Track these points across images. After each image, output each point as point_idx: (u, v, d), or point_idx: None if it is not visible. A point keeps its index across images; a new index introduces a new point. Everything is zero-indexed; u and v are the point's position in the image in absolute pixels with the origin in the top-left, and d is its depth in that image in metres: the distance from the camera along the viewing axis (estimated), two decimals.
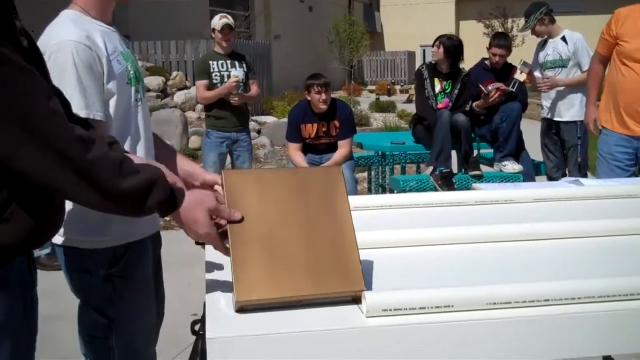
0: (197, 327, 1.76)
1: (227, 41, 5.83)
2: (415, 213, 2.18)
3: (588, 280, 1.42)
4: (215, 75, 5.80)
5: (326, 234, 1.42)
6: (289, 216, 1.43)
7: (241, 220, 1.41)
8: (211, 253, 1.59)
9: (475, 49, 10.28)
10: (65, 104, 1.72)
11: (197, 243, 1.55)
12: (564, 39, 5.75)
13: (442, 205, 2.25)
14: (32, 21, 2.32)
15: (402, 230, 1.85)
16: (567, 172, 5.70)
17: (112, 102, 2.02)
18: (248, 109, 6.21)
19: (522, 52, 7.42)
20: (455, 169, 5.53)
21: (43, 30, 2.01)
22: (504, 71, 5.74)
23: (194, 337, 1.78)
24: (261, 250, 1.38)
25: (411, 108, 11.09)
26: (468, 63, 5.87)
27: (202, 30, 13.35)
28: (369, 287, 1.41)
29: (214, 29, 5.85)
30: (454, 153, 5.51)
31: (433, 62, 5.69)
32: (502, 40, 5.79)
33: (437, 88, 5.57)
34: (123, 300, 2.08)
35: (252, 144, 6.27)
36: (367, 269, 1.48)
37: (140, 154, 2.08)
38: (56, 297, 2.71)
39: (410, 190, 5.18)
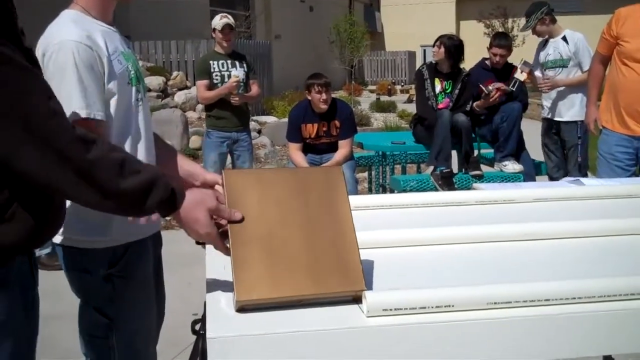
0: (197, 327, 1.76)
1: (228, 41, 5.83)
2: (415, 213, 2.18)
3: (588, 280, 1.43)
4: (216, 75, 5.80)
5: (327, 233, 1.42)
6: (290, 216, 1.43)
7: (242, 220, 1.41)
8: (211, 253, 1.59)
9: (476, 49, 10.29)
10: None
11: (198, 243, 1.55)
12: (564, 39, 5.75)
13: (443, 205, 2.25)
14: (32, 21, 2.33)
15: (403, 230, 1.85)
16: (567, 172, 5.70)
17: (113, 102, 2.02)
18: (248, 109, 6.21)
19: (522, 52, 7.42)
20: (455, 168, 5.53)
21: (43, 30, 2.01)
22: (505, 71, 5.74)
23: (194, 337, 1.78)
24: (262, 250, 1.38)
25: (412, 108, 11.09)
26: (468, 63, 5.87)
27: (202, 30, 13.36)
28: (369, 286, 1.42)
29: (214, 29, 5.85)
30: (454, 153, 5.51)
31: (433, 62, 5.69)
32: (502, 40, 5.79)
33: (438, 88, 5.57)
34: (123, 300, 2.09)
35: (252, 144, 6.27)
36: (367, 268, 1.48)
37: (141, 154, 2.08)
38: (56, 297, 2.71)
39: (410, 190, 5.18)
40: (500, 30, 20.95)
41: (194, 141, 9.22)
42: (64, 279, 2.14)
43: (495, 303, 1.34)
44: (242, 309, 1.34)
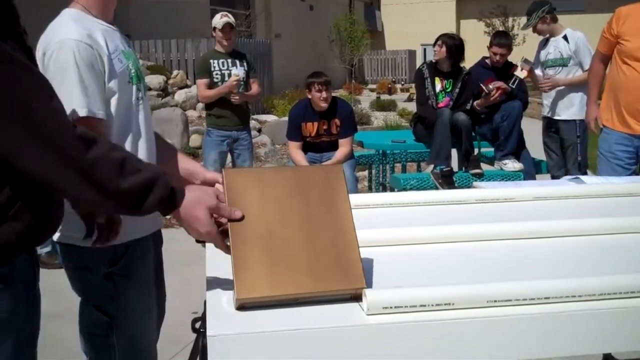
0: (197, 325, 1.76)
1: (228, 40, 5.83)
2: (415, 211, 2.18)
3: (588, 278, 1.43)
4: (216, 74, 5.80)
5: (327, 232, 1.42)
6: (290, 214, 1.43)
7: (242, 218, 1.41)
8: (212, 251, 1.59)
9: (476, 48, 10.29)
10: None
11: (198, 241, 1.55)
12: (565, 37, 5.74)
13: (443, 204, 2.25)
14: (32, 20, 2.33)
15: (403, 228, 1.85)
16: (567, 170, 5.70)
17: (114, 101, 2.02)
18: (249, 108, 6.21)
19: (522, 51, 7.42)
20: (456, 167, 5.53)
21: (43, 29, 2.01)
22: (505, 70, 5.74)
23: (194, 335, 1.78)
24: (262, 249, 1.38)
25: (412, 107, 11.09)
26: (468, 62, 5.87)
27: (202, 29, 13.35)
28: (369, 285, 1.42)
29: (214, 28, 5.85)
30: (454, 151, 5.51)
31: (434, 61, 5.69)
32: (502, 40, 5.78)
33: (438, 87, 5.57)
34: (124, 299, 2.09)
35: (252, 143, 6.27)
36: (367, 267, 1.48)
37: (141, 153, 2.08)
38: (57, 296, 2.71)
39: (411, 189, 5.18)
40: (501, 29, 20.95)
41: (194, 140, 9.22)
42: (64, 277, 2.14)
43: (495, 301, 1.34)
44: (242, 307, 1.34)
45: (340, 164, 5.04)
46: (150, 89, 10.13)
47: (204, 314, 1.59)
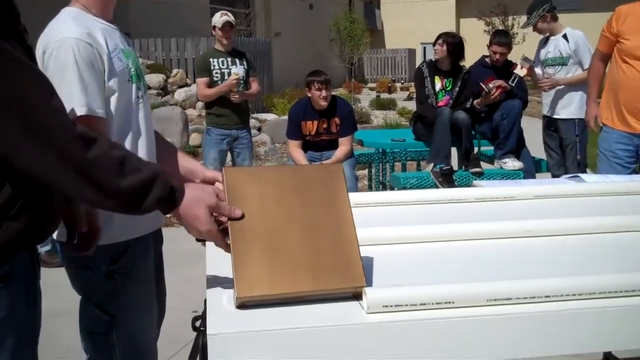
0: (198, 324, 1.76)
1: (228, 39, 5.82)
2: (415, 210, 2.18)
3: (588, 276, 1.43)
4: (216, 73, 5.80)
5: (327, 230, 1.42)
6: (290, 213, 1.43)
7: (242, 217, 1.41)
8: (212, 250, 1.59)
9: (476, 46, 10.28)
10: None
11: (198, 240, 1.56)
12: (565, 36, 5.74)
13: (443, 202, 2.25)
14: (32, 19, 2.32)
15: (403, 227, 1.85)
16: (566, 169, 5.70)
17: (113, 100, 2.02)
18: (248, 107, 6.21)
19: (522, 50, 7.42)
20: (455, 166, 5.53)
21: (43, 28, 2.01)
22: (505, 69, 5.74)
23: (194, 334, 1.78)
24: (262, 247, 1.38)
25: (411, 106, 11.09)
26: (468, 61, 5.87)
27: (202, 27, 13.35)
28: (369, 283, 1.42)
29: (214, 27, 5.85)
30: (454, 150, 5.51)
31: (434, 60, 5.69)
32: (502, 38, 5.78)
33: (438, 86, 5.57)
34: (124, 297, 2.09)
35: (252, 142, 6.28)
36: (367, 265, 1.48)
37: (141, 152, 2.08)
38: (56, 295, 2.71)
39: (410, 188, 5.18)
40: (501, 27, 20.95)
41: (194, 139, 9.22)
42: (64, 276, 2.14)
43: (495, 300, 1.34)
44: (242, 305, 1.34)
45: (340, 162, 5.04)
46: (150, 88, 10.13)
47: (204, 312, 1.59)
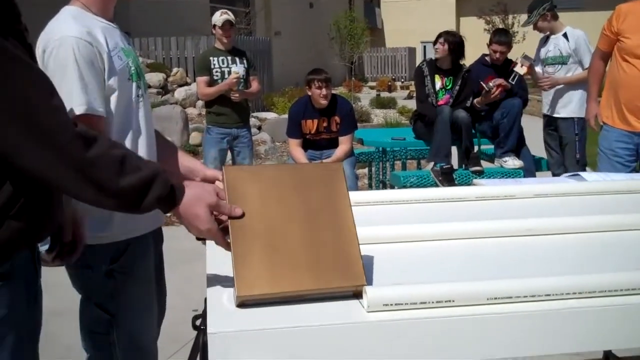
0: (198, 323, 1.76)
1: (228, 37, 5.82)
2: (415, 209, 2.18)
3: (589, 275, 1.42)
4: (216, 72, 5.80)
5: (327, 229, 1.42)
6: (290, 212, 1.43)
7: (242, 216, 1.41)
8: (212, 249, 1.59)
9: (476, 45, 10.28)
10: None
11: (198, 239, 1.56)
12: (565, 35, 5.74)
13: (443, 201, 2.25)
14: (32, 18, 2.32)
15: (403, 225, 1.85)
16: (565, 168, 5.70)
17: (114, 98, 2.02)
18: (249, 105, 6.21)
19: (522, 49, 7.40)
20: (455, 164, 5.53)
21: (43, 26, 2.01)
22: (505, 67, 5.74)
23: (194, 333, 1.79)
24: (262, 246, 1.38)
25: (412, 104, 11.09)
26: (468, 59, 5.87)
27: (202, 26, 13.35)
28: (369, 282, 1.42)
29: (214, 25, 5.85)
30: (454, 149, 5.51)
31: (434, 58, 5.68)
32: (502, 37, 5.78)
33: (438, 85, 5.57)
34: (124, 296, 2.09)
35: (252, 140, 6.28)
36: (367, 264, 1.48)
37: (142, 150, 2.08)
38: (56, 294, 2.71)
39: (411, 186, 5.18)
40: (501, 26, 20.95)
41: (194, 137, 9.22)
42: (64, 275, 2.14)
43: (495, 298, 1.34)
44: (242, 304, 1.34)
45: (340, 161, 5.04)
46: (150, 87, 10.13)
47: (204, 311, 1.59)
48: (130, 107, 2.08)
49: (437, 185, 5.13)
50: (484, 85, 5.51)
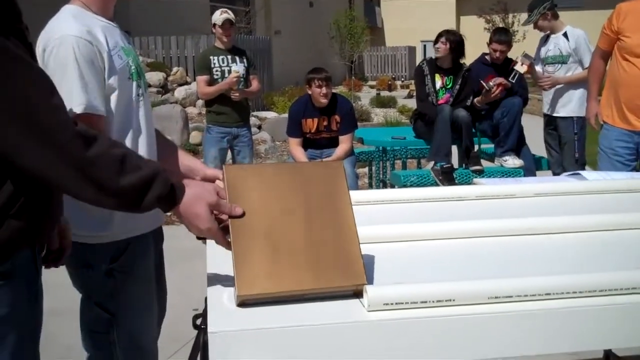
0: (198, 322, 1.76)
1: (228, 36, 5.82)
2: (416, 208, 2.18)
3: (589, 274, 1.42)
4: (216, 71, 5.80)
5: (327, 228, 1.42)
6: (291, 211, 1.43)
7: (242, 215, 1.41)
8: (212, 248, 1.59)
9: (476, 44, 10.28)
10: None
11: (199, 238, 1.55)
12: (565, 35, 5.74)
13: (443, 200, 2.25)
14: (33, 17, 2.32)
15: (403, 224, 1.85)
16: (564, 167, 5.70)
17: (114, 98, 2.02)
18: (249, 105, 6.21)
19: (522, 48, 7.40)
20: (456, 164, 5.53)
21: (43, 25, 2.01)
22: (505, 66, 5.74)
23: (195, 333, 1.78)
24: (263, 245, 1.38)
25: (412, 103, 11.09)
26: (468, 59, 5.87)
27: (202, 25, 13.34)
28: (370, 281, 1.42)
29: (214, 24, 5.85)
30: (454, 148, 5.51)
31: (434, 58, 5.68)
32: (502, 36, 5.78)
33: (438, 84, 5.57)
34: (125, 296, 2.09)
35: (252, 140, 6.27)
36: (368, 263, 1.48)
37: (142, 150, 2.08)
38: (57, 293, 2.71)
39: (411, 186, 5.18)
40: (501, 25, 20.94)
41: (194, 137, 9.22)
42: (64, 275, 2.14)
43: (496, 297, 1.34)
44: (243, 303, 1.34)
45: (340, 160, 5.03)
46: (150, 86, 10.13)
47: (204, 310, 1.59)
48: (130, 107, 2.08)
49: (437, 185, 5.13)
50: (484, 84, 5.51)
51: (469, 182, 5.05)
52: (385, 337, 1.28)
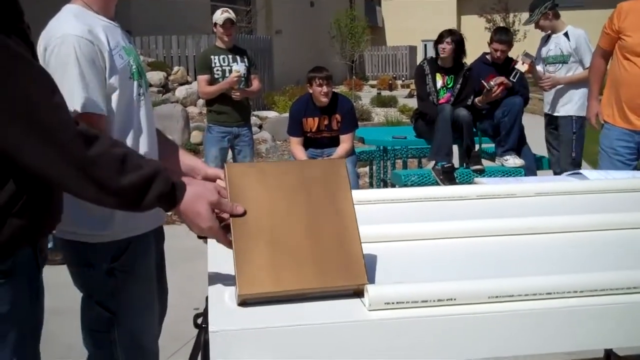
0: (199, 321, 1.76)
1: (229, 36, 5.82)
2: (416, 207, 2.18)
3: (590, 273, 1.43)
4: (217, 70, 5.80)
5: (329, 227, 1.42)
6: (292, 209, 1.43)
7: (244, 214, 1.41)
8: (213, 247, 1.59)
9: (477, 44, 10.27)
10: None
11: (200, 237, 1.55)
12: (566, 34, 5.74)
13: (444, 200, 2.25)
14: (34, 16, 2.32)
15: (404, 224, 1.85)
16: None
17: (115, 97, 2.02)
18: (249, 104, 6.21)
19: (523, 47, 7.40)
20: (456, 163, 5.53)
21: (44, 25, 2.01)
22: (505, 66, 5.73)
23: (195, 332, 1.78)
24: (264, 244, 1.38)
25: (412, 103, 11.08)
26: (469, 58, 5.86)
27: (203, 25, 13.35)
28: (371, 280, 1.42)
29: (215, 24, 5.85)
30: (455, 147, 5.51)
31: (435, 57, 5.68)
32: (503, 36, 5.77)
33: (439, 83, 5.56)
34: (125, 295, 2.09)
35: (253, 139, 6.27)
36: (369, 262, 1.48)
37: (143, 149, 2.08)
38: (58, 292, 2.71)
39: (412, 185, 5.18)
40: (502, 25, 20.93)
41: (195, 136, 9.22)
42: (65, 274, 2.14)
43: (497, 297, 1.34)
44: (244, 302, 1.34)
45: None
46: (151, 86, 10.13)
47: (205, 309, 1.59)
48: (131, 106, 2.08)
49: (438, 184, 5.13)
50: (485, 84, 5.51)
51: (469, 182, 5.05)
52: (386, 336, 1.28)
